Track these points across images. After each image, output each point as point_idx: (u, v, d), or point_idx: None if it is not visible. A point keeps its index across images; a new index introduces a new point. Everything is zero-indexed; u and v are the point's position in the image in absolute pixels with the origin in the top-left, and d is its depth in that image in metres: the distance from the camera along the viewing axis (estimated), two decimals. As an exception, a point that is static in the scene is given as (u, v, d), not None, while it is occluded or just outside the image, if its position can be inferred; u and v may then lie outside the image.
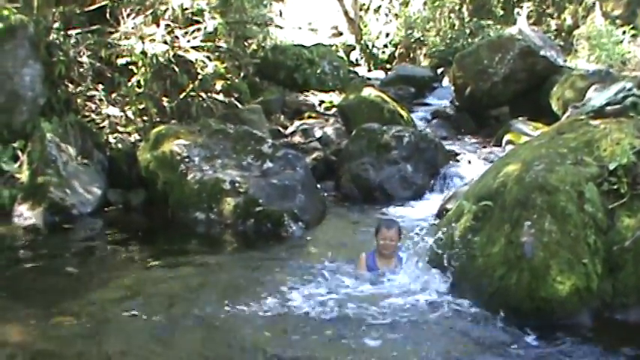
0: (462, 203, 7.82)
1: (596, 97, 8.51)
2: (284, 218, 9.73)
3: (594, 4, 21.21)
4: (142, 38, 12.94)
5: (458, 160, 12.92)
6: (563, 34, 22.22)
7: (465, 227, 7.43)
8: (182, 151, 10.76)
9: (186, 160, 10.63)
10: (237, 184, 10.15)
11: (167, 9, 13.64)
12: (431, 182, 12.27)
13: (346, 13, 27.24)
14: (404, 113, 14.57)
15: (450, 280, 7.33)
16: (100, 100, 13.18)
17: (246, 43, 18.24)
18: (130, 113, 13.02)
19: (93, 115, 12.79)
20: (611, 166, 6.89)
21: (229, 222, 9.90)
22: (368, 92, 14.56)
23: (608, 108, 7.73)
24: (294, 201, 10.04)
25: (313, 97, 17.42)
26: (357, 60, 26.77)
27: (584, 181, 6.88)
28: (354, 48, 27.05)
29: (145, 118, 12.99)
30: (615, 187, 6.84)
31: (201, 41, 13.80)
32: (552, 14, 22.83)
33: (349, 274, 7.77)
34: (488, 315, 6.59)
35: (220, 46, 14.72)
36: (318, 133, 14.41)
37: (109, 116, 12.90)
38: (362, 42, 26.88)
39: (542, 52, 15.87)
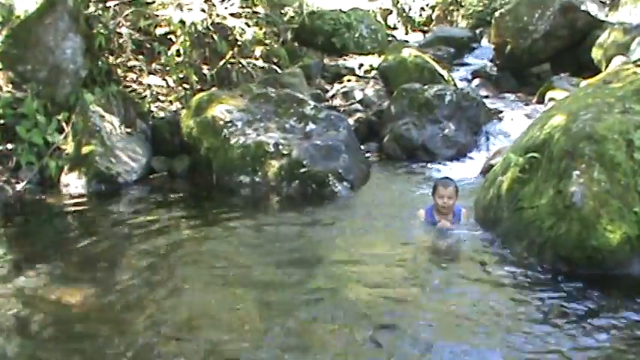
0: (508, 156, 7.79)
1: (643, 45, 8.37)
2: (329, 179, 9.73)
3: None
4: (179, 7, 12.94)
5: (501, 119, 12.77)
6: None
7: (512, 180, 7.41)
8: (224, 116, 10.78)
9: (229, 124, 10.65)
10: (280, 147, 10.15)
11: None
12: (474, 140, 12.17)
13: (383, -24, 27.02)
14: (444, 73, 14.45)
15: (499, 233, 7.34)
16: (141, 70, 13.30)
17: (282, 11, 18.17)
18: (170, 82, 13.11)
19: (134, 86, 12.90)
20: (660, 112, 6.79)
21: (274, 184, 9.91)
22: (407, 53, 14.45)
23: (656, 55, 7.60)
24: (338, 161, 10.01)
25: (352, 61, 17.31)
26: (394, 24, 26.56)
27: (633, 129, 6.79)
28: (390, 12, 26.83)
29: (185, 86, 13.05)
30: (665, 133, 6.74)
31: (239, 7, 13.80)
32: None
33: (406, 228, 7.86)
34: (538, 266, 6.58)
35: (258, 12, 14.69)
36: (358, 95, 14.34)
37: (150, 86, 13.02)
38: (399, 5, 26.64)
39: (582, 7, 15.61)
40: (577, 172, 6.55)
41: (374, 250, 7.26)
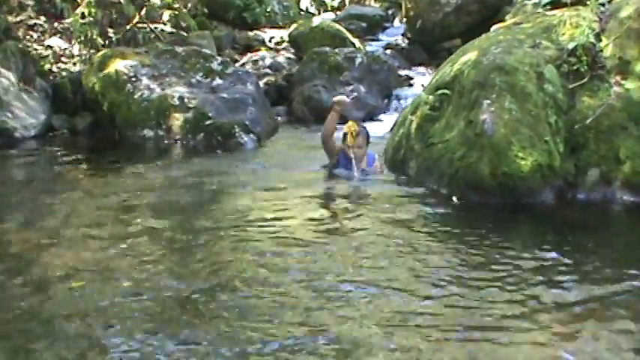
0: (419, 95, 7.63)
1: (553, -11, 8.32)
2: (235, 130, 9.45)
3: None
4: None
5: (411, 85, 12.71)
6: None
7: (422, 118, 7.26)
8: (128, 70, 10.40)
9: (133, 79, 10.28)
10: (185, 100, 9.85)
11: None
12: (384, 104, 12.04)
13: (295, -41, 26.77)
14: (356, 42, 14.30)
15: (409, 173, 7.16)
16: (44, 31, 12.76)
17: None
18: (75, 48, 12.59)
19: (35, 45, 12.36)
20: (571, 46, 6.72)
21: (178, 137, 9.60)
22: (319, 20, 14.25)
23: (566, -4, 7.54)
24: (245, 114, 9.77)
25: (264, 34, 17.03)
26: (307, 8, 26.33)
27: (544, 62, 6.72)
28: (303, -5, 26.59)
29: (91, 50, 12.55)
30: (575, 67, 6.67)
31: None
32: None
33: (312, 176, 7.60)
34: (448, 196, 6.41)
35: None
36: (268, 62, 14.06)
37: (51, 47, 12.49)
38: (312, -11, 26.41)
39: (493, -18, 15.65)
40: (487, 102, 6.42)
41: (276, 196, 6.81)
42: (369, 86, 11.99)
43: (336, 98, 7.52)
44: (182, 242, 5.24)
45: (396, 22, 20.26)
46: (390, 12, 21.35)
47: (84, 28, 12.44)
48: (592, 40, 6.75)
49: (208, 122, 9.50)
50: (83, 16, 12.43)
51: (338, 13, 24.39)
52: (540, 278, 4.35)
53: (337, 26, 14.30)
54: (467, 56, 7.19)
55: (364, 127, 7.69)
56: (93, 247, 5.09)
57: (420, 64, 15.37)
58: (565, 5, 7.51)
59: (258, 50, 15.35)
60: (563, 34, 7.01)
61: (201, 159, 8.85)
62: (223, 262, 4.71)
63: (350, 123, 7.42)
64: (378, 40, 17.79)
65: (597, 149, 6.34)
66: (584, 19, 7.06)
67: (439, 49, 16.12)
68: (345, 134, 7.49)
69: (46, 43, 12.60)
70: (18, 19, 12.49)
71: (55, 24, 12.84)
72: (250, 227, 5.61)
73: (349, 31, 15.61)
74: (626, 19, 6.70)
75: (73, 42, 12.66)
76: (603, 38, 6.76)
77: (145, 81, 10.27)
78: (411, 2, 16.14)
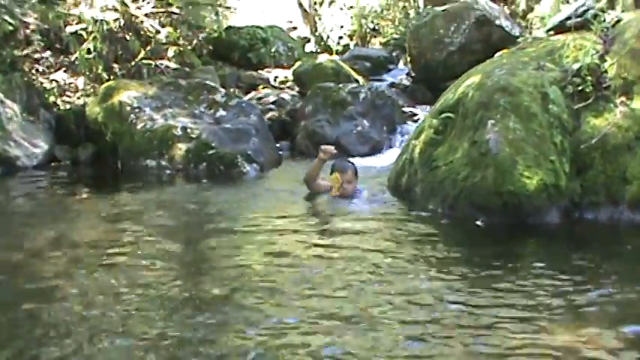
0: (423, 120, 7.57)
1: (556, 16, 8.31)
2: (237, 160, 9.38)
3: (547, -14, 21.20)
4: (91, 5, 12.60)
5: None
6: (517, 19, 22.15)
7: (426, 142, 7.18)
8: (132, 102, 10.40)
9: (137, 110, 10.27)
10: (188, 130, 9.81)
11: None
12: (389, 138, 11.97)
13: (300, 5, 27.00)
14: (360, 78, 14.32)
15: (413, 198, 7.07)
16: (49, 66, 12.82)
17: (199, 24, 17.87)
18: (80, 81, 12.63)
19: (41, 79, 12.40)
20: (575, 67, 6.68)
21: (180, 167, 9.54)
22: (323, 58, 14.29)
23: (569, 22, 7.52)
24: (247, 144, 9.70)
25: (268, 74, 17.07)
26: (312, 52, 26.50)
27: (548, 83, 6.67)
28: (309, 40, 26.78)
29: (95, 85, 12.58)
30: (580, 88, 6.62)
31: (153, 7, 13.51)
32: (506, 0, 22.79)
33: (312, 202, 7.49)
34: (453, 218, 6.32)
35: (174, 12, 14.38)
36: (273, 99, 14.05)
37: (56, 81, 12.54)
38: (317, 34, 26.63)
39: (497, 22, 15.68)
40: (492, 122, 6.35)
41: (274, 220, 6.62)
42: (373, 121, 11.93)
43: (323, 147, 7.47)
44: (181, 268, 5.14)
45: (401, 64, 20.35)
46: (394, 54, 21.47)
47: (89, 62, 12.51)
48: (596, 61, 6.71)
49: (211, 152, 9.45)
50: (89, 51, 12.50)
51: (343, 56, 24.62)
52: (551, 301, 4.18)
53: (341, 63, 14.34)
54: (470, 80, 7.15)
55: (352, 164, 7.68)
56: (82, 273, 4.95)
57: (424, 103, 15.35)
58: (568, 30, 7.49)
59: (263, 88, 15.37)
60: (567, 57, 6.99)
61: (202, 187, 8.76)
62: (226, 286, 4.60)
63: (334, 175, 7.35)
64: (382, 80, 17.83)
65: (603, 169, 6.25)
66: (588, 41, 7.04)
67: (443, 88, 15.97)
68: (331, 171, 7.49)
69: (52, 77, 12.64)
70: (24, 52, 12.53)
71: (61, 58, 12.88)
72: (252, 251, 5.51)
73: (354, 70, 15.65)
74: (629, 40, 6.67)
75: (78, 76, 12.70)
76: (607, 59, 6.72)
77: (148, 111, 10.26)
78: (414, 41, 16.16)
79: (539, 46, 7.43)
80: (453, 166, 6.55)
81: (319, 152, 7.41)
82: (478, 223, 6.09)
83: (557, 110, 6.48)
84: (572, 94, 6.64)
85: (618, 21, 7.20)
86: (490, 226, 6.09)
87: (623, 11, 7.57)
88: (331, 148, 7.44)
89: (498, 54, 8.23)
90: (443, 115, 7.13)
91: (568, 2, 18.87)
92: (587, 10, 7.50)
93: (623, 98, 6.46)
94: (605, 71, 6.66)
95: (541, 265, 5.02)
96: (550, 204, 6.10)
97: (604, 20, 7.21)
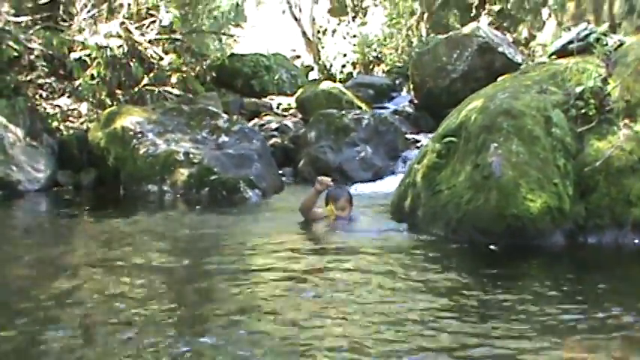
0: (425, 144, 7.55)
1: (559, 40, 8.32)
2: (240, 185, 9.36)
3: (550, 15, 21.27)
4: (95, 32, 12.66)
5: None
6: (520, 47, 22.19)
7: (429, 166, 7.14)
8: (134, 127, 10.41)
9: (139, 135, 10.28)
10: (191, 155, 9.80)
11: (122, 3, 13.40)
12: (392, 165, 11.95)
13: (304, 33, 27.11)
14: (363, 105, 14.32)
15: (415, 222, 7.01)
16: (53, 91, 12.85)
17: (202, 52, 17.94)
18: (83, 107, 12.64)
19: (44, 104, 12.42)
20: (578, 90, 6.65)
21: (182, 192, 9.51)
22: (326, 85, 14.31)
23: (571, 46, 7.51)
24: (250, 169, 9.71)
25: (271, 101, 17.11)
26: (315, 80, 26.57)
27: (551, 107, 6.65)
28: (312, 68, 26.86)
29: (98, 111, 12.61)
30: (583, 111, 6.60)
31: (157, 34, 13.57)
32: (509, 28, 22.84)
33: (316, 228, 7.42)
34: (456, 241, 6.26)
35: (177, 39, 14.44)
36: (275, 126, 14.07)
37: (60, 106, 12.56)
38: (320, 62, 26.71)
39: (500, 49, 15.71)
40: (495, 145, 6.32)
41: (274, 246, 6.51)
42: (376, 147, 11.94)
43: (319, 178, 7.42)
44: (180, 291, 5.09)
45: (404, 92, 20.36)
46: (397, 82, 21.51)
47: (93, 88, 12.55)
48: (599, 84, 6.70)
49: (213, 177, 9.44)
50: (92, 77, 12.57)
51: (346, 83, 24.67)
52: (556, 324, 4.10)
53: (344, 90, 14.34)
54: (473, 104, 7.14)
55: (346, 190, 7.71)
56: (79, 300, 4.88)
57: (427, 130, 15.34)
58: (571, 54, 7.48)
59: (266, 115, 15.39)
60: (570, 80, 6.97)
61: (204, 212, 8.71)
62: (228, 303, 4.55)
63: (329, 207, 7.30)
64: (385, 107, 17.84)
65: (607, 192, 6.21)
66: (590, 64, 7.03)
67: (446, 115, 16.08)
68: (326, 199, 7.43)
69: (55, 102, 12.67)
70: (28, 77, 12.56)
71: (65, 84, 12.92)
72: (252, 276, 5.44)
73: (357, 98, 15.66)
74: (632, 63, 6.65)
75: (81, 102, 12.72)
76: (610, 82, 6.70)
77: (150, 137, 10.27)
78: (417, 69, 16.20)
79: (542, 70, 7.42)
80: (455, 190, 6.50)
81: (315, 183, 7.34)
82: (492, 247, 6.03)
83: (561, 133, 6.45)
84: (576, 117, 6.62)
85: (621, 44, 7.21)
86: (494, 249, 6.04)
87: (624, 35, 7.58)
88: (327, 180, 7.37)
89: (501, 78, 8.17)
90: (446, 139, 7.10)
91: (570, 30, 18.94)
92: (590, 34, 7.51)
93: (626, 121, 6.44)
94: (608, 94, 6.65)
95: (544, 289, 4.95)
96: (554, 227, 6.05)
97: (606, 44, 7.20)
